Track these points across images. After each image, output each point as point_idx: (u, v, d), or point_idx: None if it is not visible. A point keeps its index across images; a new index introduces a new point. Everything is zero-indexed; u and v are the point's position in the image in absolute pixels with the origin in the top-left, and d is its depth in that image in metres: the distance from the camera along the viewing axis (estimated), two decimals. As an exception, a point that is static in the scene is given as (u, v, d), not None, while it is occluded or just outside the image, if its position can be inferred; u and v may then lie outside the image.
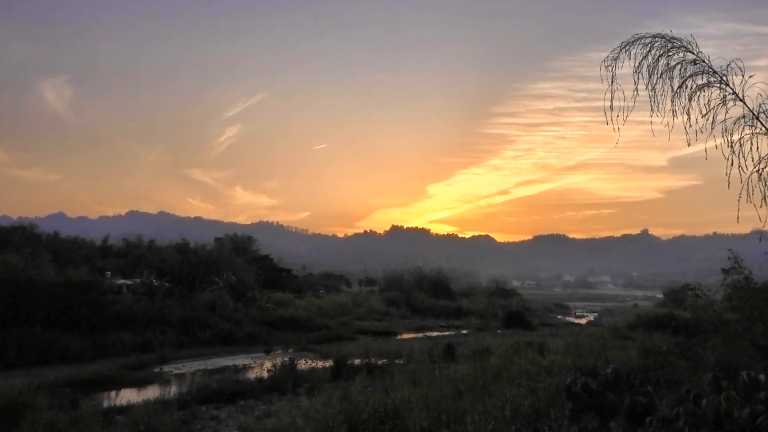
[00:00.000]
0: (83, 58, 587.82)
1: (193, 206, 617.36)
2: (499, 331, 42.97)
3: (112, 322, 29.50)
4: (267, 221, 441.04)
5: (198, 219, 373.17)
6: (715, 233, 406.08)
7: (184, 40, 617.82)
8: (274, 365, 21.17)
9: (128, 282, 39.29)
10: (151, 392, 19.57)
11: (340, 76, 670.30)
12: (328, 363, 24.71)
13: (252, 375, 22.04)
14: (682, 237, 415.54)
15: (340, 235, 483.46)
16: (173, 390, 18.76)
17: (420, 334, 42.01)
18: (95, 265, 44.13)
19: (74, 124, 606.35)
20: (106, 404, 16.50)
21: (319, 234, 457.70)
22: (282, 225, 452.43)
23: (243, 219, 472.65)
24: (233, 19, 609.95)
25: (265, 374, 21.94)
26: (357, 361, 23.00)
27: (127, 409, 15.82)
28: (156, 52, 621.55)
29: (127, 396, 18.43)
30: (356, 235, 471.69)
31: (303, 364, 22.81)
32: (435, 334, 42.43)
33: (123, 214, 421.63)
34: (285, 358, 22.44)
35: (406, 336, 41.00)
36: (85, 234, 72.10)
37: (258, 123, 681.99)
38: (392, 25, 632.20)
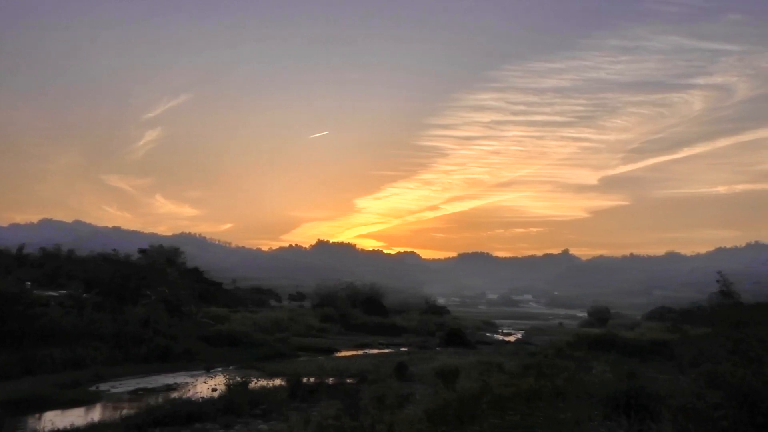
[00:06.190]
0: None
1: (110, 215, 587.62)
2: (439, 349, 43.25)
3: (40, 337, 27.53)
4: (189, 233, 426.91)
5: (116, 229, 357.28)
6: (632, 254, 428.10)
7: (101, 32, 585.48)
8: (227, 384, 20.29)
9: (54, 294, 36.93)
10: (95, 414, 18.35)
11: (269, 82, 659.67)
12: (276, 381, 24.04)
13: (200, 395, 20.98)
14: (601, 258, 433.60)
15: (265, 248, 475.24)
16: (122, 412, 17.57)
17: (361, 352, 41.81)
18: (17, 275, 41.28)
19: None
20: (48, 428, 15.23)
21: (243, 247, 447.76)
22: (205, 237, 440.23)
23: (164, 230, 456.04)
24: (157, 12, 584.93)
25: (214, 394, 21.07)
26: (310, 381, 22.41)
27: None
28: (70, 45, 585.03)
29: (69, 418, 17.13)
30: (281, 249, 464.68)
31: (253, 384, 22.06)
32: (375, 351, 42.30)
33: (36, 222, 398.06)
34: (236, 377, 21.60)
35: (347, 353, 40.55)
36: (-4, 242, 67.57)
37: (180, 127, 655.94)
38: (324, 30, 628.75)
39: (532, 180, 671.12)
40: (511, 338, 63.73)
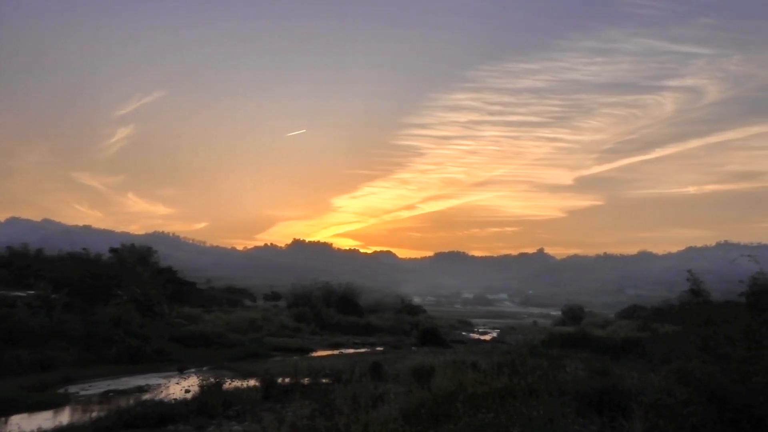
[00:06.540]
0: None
1: (81, 213, 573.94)
2: (414, 348, 43.30)
3: (7, 338, 26.93)
4: (162, 231, 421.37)
5: (87, 227, 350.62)
6: (606, 254, 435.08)
7: (72, 26, 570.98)
8: (200, 385, 20.03)
9: (22, 294, 36.15)
10: (64, 416, 17.96)
11: (245, 79, 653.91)
12: (250, 382, 23.80)
13: (172, 396, 20.71)
14: (576, 257, 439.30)
15: (240, 247, 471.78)
16: (92, 414, 17.24)
17: (335, 351, 41.67)
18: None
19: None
20: (15, 431, 14.87)
21: (218, 246, 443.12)
22: (178, 236, 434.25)
23: (136, 228, 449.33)
24: (130, 7, 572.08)
25: (186, 395, 20.82)
26: (284, 381, 22.23)
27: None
28: (39, 39, 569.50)
29: (37, 421, 16.74)
30: (257, 248, 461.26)
31: (227, 384, 21.84)
32: (350, 351, 42.24)
33: (3, 221, 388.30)
34: (209, 378, 21.35)
35: (321, 353, 40.36)
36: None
37: (154, 124, 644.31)
38: (301, 28, 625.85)
39: (508, 180, 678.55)
40: (487, 337, 64.12)
